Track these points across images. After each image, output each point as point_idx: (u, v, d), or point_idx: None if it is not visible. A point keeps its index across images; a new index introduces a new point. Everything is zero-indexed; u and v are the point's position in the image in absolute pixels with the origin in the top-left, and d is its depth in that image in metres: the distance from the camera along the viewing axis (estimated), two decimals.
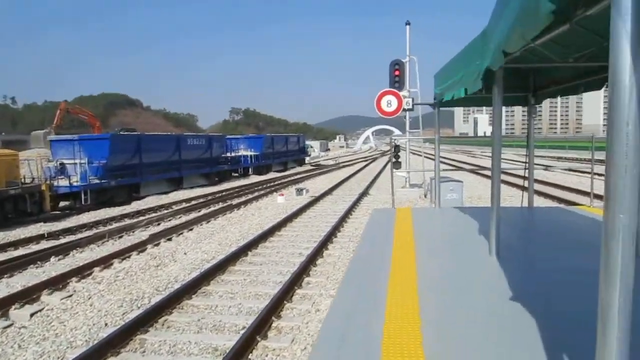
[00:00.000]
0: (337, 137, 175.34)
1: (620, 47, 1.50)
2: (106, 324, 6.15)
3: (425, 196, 16.21)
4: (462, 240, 5.85)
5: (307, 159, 47.30)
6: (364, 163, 45.22)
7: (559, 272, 4.34)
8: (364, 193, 18.75)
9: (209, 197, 19.62)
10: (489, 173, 24.75)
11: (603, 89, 5.82)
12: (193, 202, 18.20)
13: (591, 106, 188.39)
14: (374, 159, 53.07)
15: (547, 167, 25.21)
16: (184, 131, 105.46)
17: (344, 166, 40.48)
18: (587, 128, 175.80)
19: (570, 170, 25.75)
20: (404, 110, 15.59)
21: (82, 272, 8.50)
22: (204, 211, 15.71)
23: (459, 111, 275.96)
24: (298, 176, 29.68)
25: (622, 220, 1.55)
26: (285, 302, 6.54)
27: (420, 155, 20.10)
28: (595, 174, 8.42)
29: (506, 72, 6.98)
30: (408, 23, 17.16)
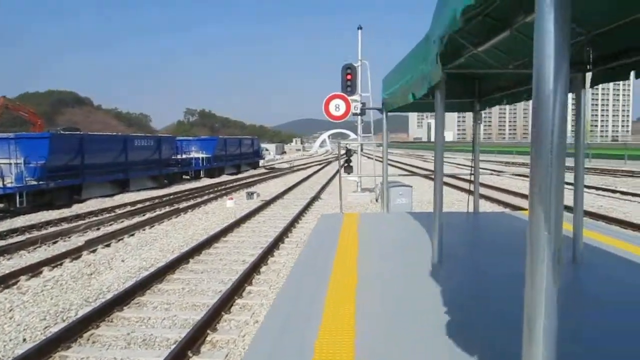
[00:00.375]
0: (294, 140, 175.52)
1: (543, 54, 1.46)
2: (25, 340, 5.66)
3: (376, 200, 16.21)
4: (406, 246, 5.77)
5: (261, 162, 46.82)
6: (319, 166, 45.17)
7: (502, 277, 4.31)
8: (316, 197, 18.59)
9: (156, 201, 18.92)
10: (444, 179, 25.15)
11: None
12: (138, 206, 17.49)
13: None
14: (329, 162, 53.16)
15: (493, 172, 25.92)
16: (136, 131, 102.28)
17: (298, 169, 40.29)
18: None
19: (517, 175, 26.56)
20: (354, 114, 15.55)
21: (6, 281, 7.87)
22: (148, 215, 15.09)
23: (413, 116, 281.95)
24: (251, 179, 29.22)
25: (547, 237, 1.48)
26: (223, 313, 6.23)
27: (372, 159, 20.15)
28: None
29: (452, 78, 6.98)
30: (360, 27, 17.17)
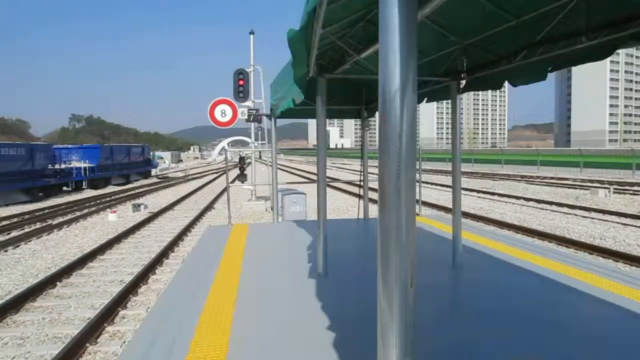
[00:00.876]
0: (192, 147, 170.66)
1: (387, 47, 1.42)
2: None
3: (271, 209, 15.88)
4: (293, 257, 5.57)
5: (154, 171, 44.48)
6: (216, 175, 43.92)
7: None
8: (209, 207, 17.81)
9: (26, 216, 16.92)
10: (339, 185, 25.28)
11: (424, 102, 5.93)
12: (3, 223, 15.47)
13: (427, 119, 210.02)
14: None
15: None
16: (12, 139, 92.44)
17: (193, 178, 38.82)
18: (424, 141, 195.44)
19: None
20: (246, 121, 15.11)
21: None
22: (14, 233, 13.37)
23: (312, 123, 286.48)
24: (140, 190, 27.47)
25: (397, 242, 1.40)
26: (87, 344, 5.47)
27: (266, 165, 19.84)
28: (423, 182, 8.81)
29: (338, 84, 6.89)
30: (252, 32, 16.83)
